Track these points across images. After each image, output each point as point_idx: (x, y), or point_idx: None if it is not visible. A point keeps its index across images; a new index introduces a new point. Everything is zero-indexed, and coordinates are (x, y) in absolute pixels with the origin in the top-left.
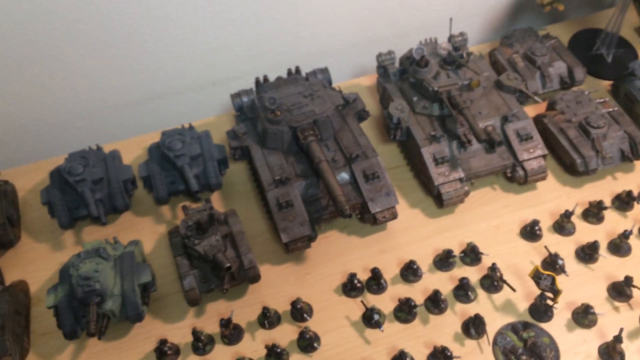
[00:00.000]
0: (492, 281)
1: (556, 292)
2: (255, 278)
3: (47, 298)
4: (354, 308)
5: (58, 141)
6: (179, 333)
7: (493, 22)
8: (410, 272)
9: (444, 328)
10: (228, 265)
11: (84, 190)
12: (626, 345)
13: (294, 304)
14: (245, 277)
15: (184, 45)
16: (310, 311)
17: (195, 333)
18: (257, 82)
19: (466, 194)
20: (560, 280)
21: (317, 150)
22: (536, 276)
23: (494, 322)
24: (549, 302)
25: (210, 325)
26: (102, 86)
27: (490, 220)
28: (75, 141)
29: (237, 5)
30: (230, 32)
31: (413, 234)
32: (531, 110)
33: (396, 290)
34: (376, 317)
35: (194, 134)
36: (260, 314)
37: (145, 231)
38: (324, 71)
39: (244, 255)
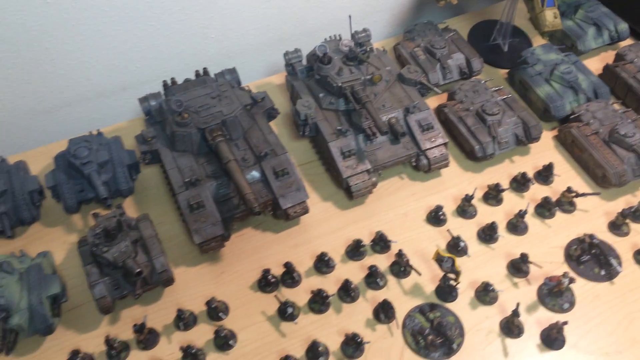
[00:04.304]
0: (400, 267)
1: (457, 273)
2: (169, 281)
3: None
4: (269, 303)
5: None
6: (93, 342)
7: (399, 16)
8: (322, 263)
9: (356, 315)
10: (138, 270)
11: None
12: (525, 318)
13: (208, 303)
14: (158, 280)
15: (89, 50)
16: (226, 309)
17: (108, 341)
18: (165, 85)
19: (374, 184)
20: (463, 261)
21: (226, 151)
22: (438, 259)
23: (404, 306)
24: (452, 283)
25: (125, 331)
26: (4, 96)
27: (399, 208)
28: None
29: (142, 8)
30: (138, 36)
31: (326, 226)
32: (434, 101)
33: (310, 282)
34: (290, 310)
35: (102, 140)
36: (175, 317)
37: (55, 242)
38: (232, 72)
39: (156, 259)
